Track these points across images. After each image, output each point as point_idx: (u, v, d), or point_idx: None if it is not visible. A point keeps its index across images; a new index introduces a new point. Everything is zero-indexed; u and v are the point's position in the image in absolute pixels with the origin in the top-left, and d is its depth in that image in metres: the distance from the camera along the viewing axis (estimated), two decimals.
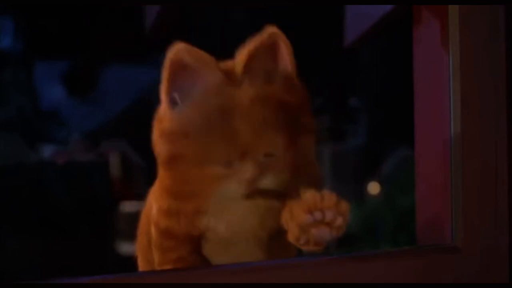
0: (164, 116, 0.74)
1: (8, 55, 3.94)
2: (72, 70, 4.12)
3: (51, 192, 3.20)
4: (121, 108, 4.12)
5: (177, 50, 0.71)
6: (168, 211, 0.78)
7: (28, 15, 3.88)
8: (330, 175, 4.12)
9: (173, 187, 0.77)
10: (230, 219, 0.77)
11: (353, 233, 3.73)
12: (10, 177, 3.18)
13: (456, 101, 0.85)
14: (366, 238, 3.96)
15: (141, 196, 0.91)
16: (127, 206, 3.34)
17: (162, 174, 0.78)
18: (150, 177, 0.83)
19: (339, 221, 0.71)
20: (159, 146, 0.74)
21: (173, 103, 0.73)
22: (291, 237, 0.72)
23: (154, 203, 0.80)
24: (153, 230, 0.80)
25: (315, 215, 0.70)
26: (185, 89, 0.72)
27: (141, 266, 0.87)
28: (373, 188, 4.38)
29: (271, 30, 0.73)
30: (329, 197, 0.71)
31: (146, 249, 0.84)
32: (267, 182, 0.73)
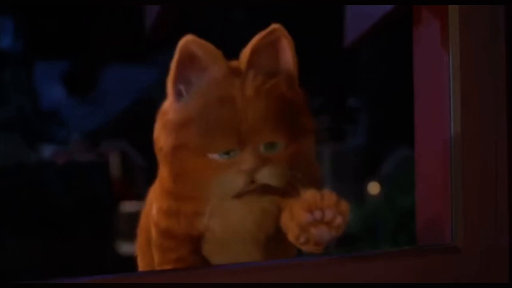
0: (169, 109, 0.75)
1: (8, 55, 3.94)
2: (72, 70, 4.12)
3: (51, 192, 3.20)
4: (121, 108, 4.12)
5: (187, 41, 0.73)
6: (168, 211, 0.78)
7: (28, 15, 3.89)
8: (330, 175, 4.13)
9: (173, 185, 0.77)
10: (227, 220, 0.77)
11: (353, 233, 3.74)
12: (10, 177, 3.18)
13: (456, 101, 0.85)
14: (366, 238, 3.96)
15: (141, 196, 0.91)
16: (127, 206, 3.34)
17: (162, 174, 0.79)
18: (150, 177, 0.83)
19: (339, 220, 0.71)
20: (162, 138, 0.75)
21: (178, 95, 0.74)
22: (291, 236, 0.73)
23: (154, 203, 0.80)
24: (153, 230, 0.80)
25: (315, 214, 0.70)
26: (191, 82, 0.74)
27: (141, 266, 0.87)
28: (373, 188, 4.38)
29: (274, 26, 0.75)
30: (329, 196, 0.71)
31: (146, 249, 0.84)
32: (266, 175, 0.73)
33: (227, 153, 0.73)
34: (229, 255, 0.79)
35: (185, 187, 0.76)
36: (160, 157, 0.76)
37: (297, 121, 0.75)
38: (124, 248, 3.07)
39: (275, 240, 0.77)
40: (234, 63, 0.76)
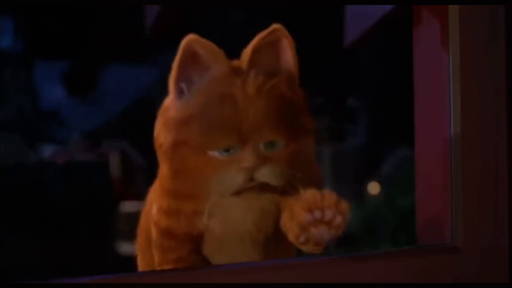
0: (170, 106, 0.75)
1: (8, 55, 3.94)
2: (72, 70, 4.12)
3: (51, 192, 3.19)
4: (121, 108, 4.12)
5: (190, 41, 0.74)
6: (168, 210, 0.78)
7: (28, 15, 3.88)
8: (330, 175, 4.12)
9: (172, 183, 0.77)
10: (227, 218, 0.77)
11: (353, 233, 3.74)
12: (10, 177, 3.18)
13: (456, 101, 0.85)
14: (366, 238, 3.96)
15: (141, 196, 0.91)
16: (127, 206, 3.34)
17: (162, 173, 0.79)
18: (150, 177, 0.83)
19: (339, 220, 0.71)
20: (163, 135, 0.75)
21: (180, 93, 0.75)
22: (291, 236, 0.73)
23: (154, 203, 0.81)
24: (153, 230, 0.80)
25: (314, 213, 0.71)
26: (193, 80, 0.75)
27: (141, 266, 0.87)
28: (373, 188, 4.38)
29: (275, 26, 0.75)
30: (329, 196, 0.71)
31: (146, 249, 0.84)
32: (265, 173, 0.73)
33: (227, 150, 0.73)
34: (229, 255, 0.79)
35: (185, 185, 0.76)
36: (160, 154, 0.76)
37: (297, 121, 0.76)
38: (124, 248, 3.07)
39: (274, 240, 0.77)
40: (235, 62, 0.76)
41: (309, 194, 0.72)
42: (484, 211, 0.86)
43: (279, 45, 0.76)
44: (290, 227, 0.73)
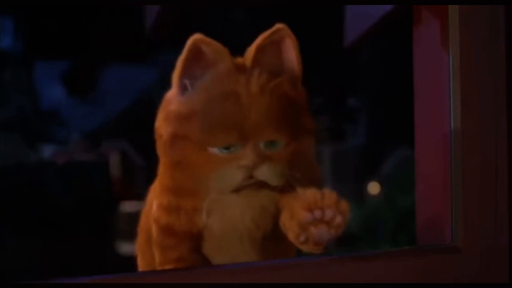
0: (173, 100, 0.76)
1: (8, 55, 3.94)
2: (72, 70, 4.11)
3: (51, 192, 3.19)
4: (121, 108, 4.12)
5: (195, 40, 0.74)
6: (168, 207, 0.78)
7: (28, 15, 3.88)
8: (330, 175, 4.12)
9: (172, 178, 0.77)
10: (226, 215, 0.77)
11: (353, 233, 3.73)
12: (10, 177, 3.18)
13: (456, 101, 0.85)
14: (366, 238, 3.96)
15: (141, 196, 0.91)
16: (127, 206, 3.34)
17: (161, 170, 0.79)
18: (150, 177, 0.83)
19: (339, 219, 0.71)
20: (163, 128, 0.76)
21: (183, 89, 0.75)
22: (291, 235, 0.73)
23: (154, 200, 0.81)
24: (153, 228, 0.81)
25: (314, 213, 0.71)
26: (197, 77, 0.75)
27: (141, 266, 0.87)
28: (373, 188, 4.38)
29: (279, 26, 0.76)
30: (329, 195, 0.72)
31: (146, 249, 0.84)
32: (265, 172, 0.74)
33: (228, 148, 0.73)
34: (228, 254, 0.79)
35: (184, 180, 0.76)
36: (160, 146, 0.77)
37: (298, 121, 0.76)
38: (124, 248, 3.07)
39: (273, 239, 0.77)
40: (239, 59, 0.76)
41: (309, 194, 0.72)
42: (484, 211, 0.86)
43: (282, 45, 0.76)
44: (290, 227, 0.73)
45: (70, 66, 4.13)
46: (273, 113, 0.73)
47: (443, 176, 0.87)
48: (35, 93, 4.01)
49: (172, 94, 0.76)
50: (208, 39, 0.74)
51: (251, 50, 0.76)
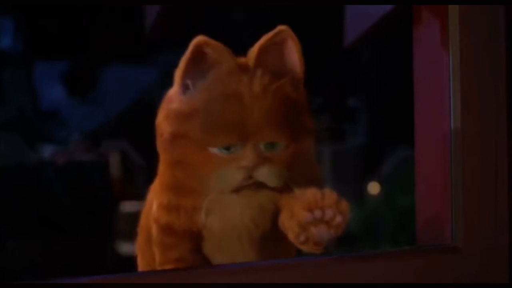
0: (174, 98, 0.76)
1: (8, 55, 3.94)
2: (72, 70, 4.11)
3: (51, 192, 3.19)
4: (121, 108, 4.12)
5: (199, 41, 0.74)
6: (168, 206, 0.79)
7: (28, 15, 3.88)
8: (330, 175, 4.12)
9: (172, 176, 0.77)
10: (226, 215, 0.77)
11: (353, 233, 3.73)
12: (10, 177, 3.18)
13: (456, 101, 0.85)
14: (366, 238, 3.96)
15: (141, 196, 0.91)
16: (127, 206, 3.34)
17: (161, 169, 0.79)
18: (150, 177, 0.83)
19: (339, 219, 0.71)
20: (164, 126, 0.76)
21: (185, 88, 0.75)
22: (291, 235, 0.73)
23: (154, 200, 0.81)
24: (154, 228, 0.81)
25: (315, 213, 0.71)
26: (199, 78, 0.75)
27: (141, 266, 0.87)
28: (373, 188, 4.38)
29: (281, 27, 0.76)
30: (329, 195, 0.72)
31: (146, 249, 0.84)
32: (264, 173, 0.74)
33: (228, 148, 0.73)
34: (228, 254, 0.79)
35: (184, 178, 0.76)
36: (160, 144, 0.77)
37: (298, 122, 0.76)
38: (124, 248, 3.07)
39: (272, 239, 0.78)
40: (242, 59, 0.76)
41: (309, 194, 0.72)
42: (484, 211, 0.86)
43: (285, 46, 0.76)
44: (290, 227, 0.73)
45: (70, 66, 4.13)
46: (274, 115, 0.73)
47: (443, 176, 0.87)
48: (35, 93, 4.01)
49: (174, 92, 0.77)
50: (211, 41, 0.74)
51: (254, 51, 0.76)
